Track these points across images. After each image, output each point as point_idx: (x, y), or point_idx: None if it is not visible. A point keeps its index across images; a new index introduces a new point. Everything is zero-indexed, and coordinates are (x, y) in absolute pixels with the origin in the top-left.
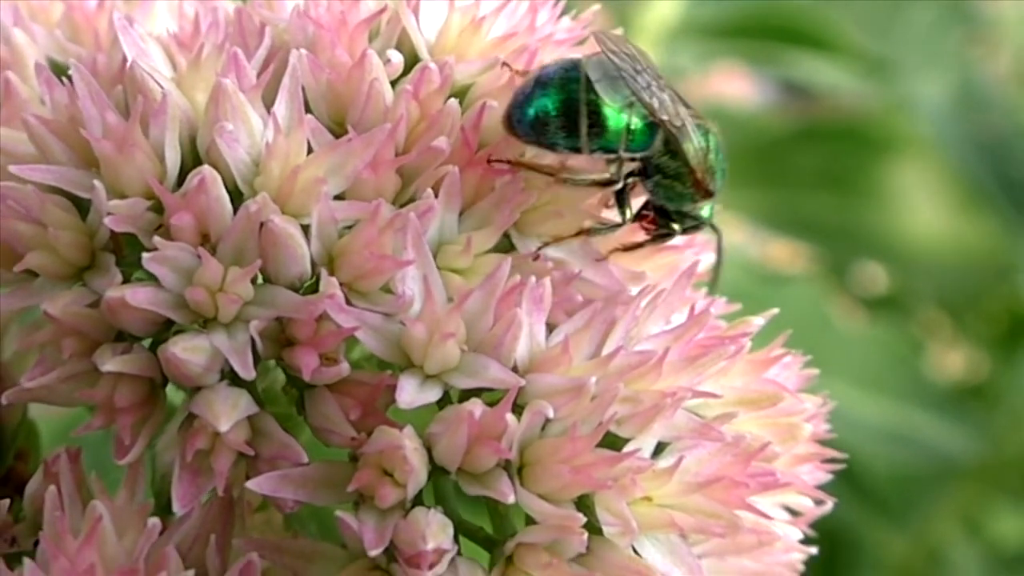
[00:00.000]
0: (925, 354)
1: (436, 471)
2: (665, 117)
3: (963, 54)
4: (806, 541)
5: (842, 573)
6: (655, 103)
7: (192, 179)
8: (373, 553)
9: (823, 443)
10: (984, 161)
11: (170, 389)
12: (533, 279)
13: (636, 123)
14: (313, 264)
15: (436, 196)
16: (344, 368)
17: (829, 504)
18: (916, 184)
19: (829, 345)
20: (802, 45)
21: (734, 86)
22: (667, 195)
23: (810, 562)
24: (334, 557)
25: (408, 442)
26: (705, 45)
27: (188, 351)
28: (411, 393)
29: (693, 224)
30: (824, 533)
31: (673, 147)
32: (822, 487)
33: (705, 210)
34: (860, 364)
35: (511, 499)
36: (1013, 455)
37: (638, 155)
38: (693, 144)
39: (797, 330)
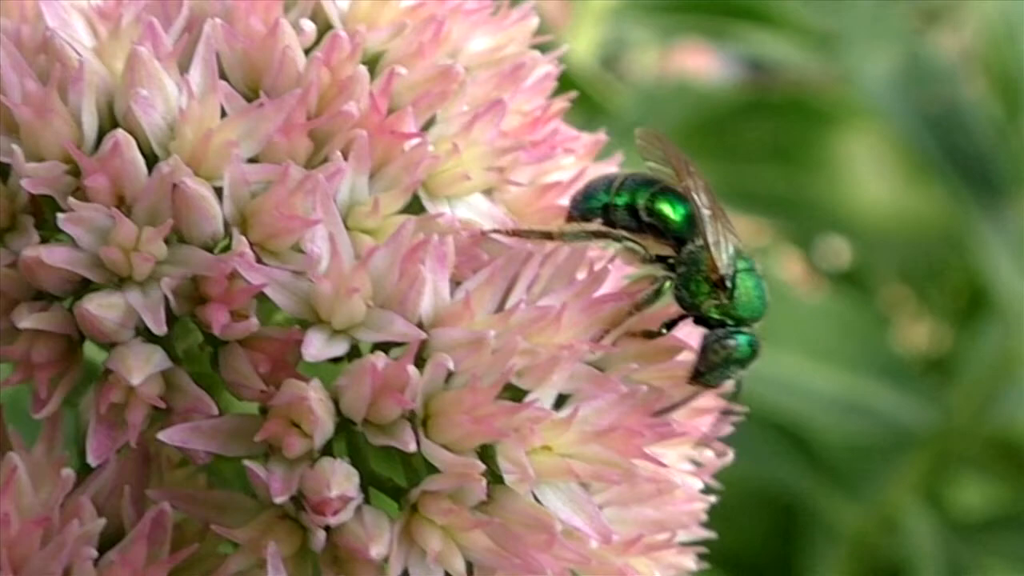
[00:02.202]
0: (885, 326)
1: (347, 425)
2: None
3: (910, 28)
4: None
5: (799, 544)
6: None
7: (107, 142)
8: (279, 500)
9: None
10: (931, 133)
11: (97, 352)
12: (436, 237)
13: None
14: (227, 225)
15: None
16: (253, 323)
17: (730, 455)
18: (865, 157)
19: (782, 316)
20: (752, 20)
21: (696, 61)
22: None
23: (767, 533)
24: (246, 507)
25: (313, 393)
26: (657, 20)
27: (102, 308)
28: (318, 347)
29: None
30: (780, 505)
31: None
32: (774, 454)
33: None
34: (814, 335)
35: (412, 447)
36: (967, 424)
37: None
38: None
39: None
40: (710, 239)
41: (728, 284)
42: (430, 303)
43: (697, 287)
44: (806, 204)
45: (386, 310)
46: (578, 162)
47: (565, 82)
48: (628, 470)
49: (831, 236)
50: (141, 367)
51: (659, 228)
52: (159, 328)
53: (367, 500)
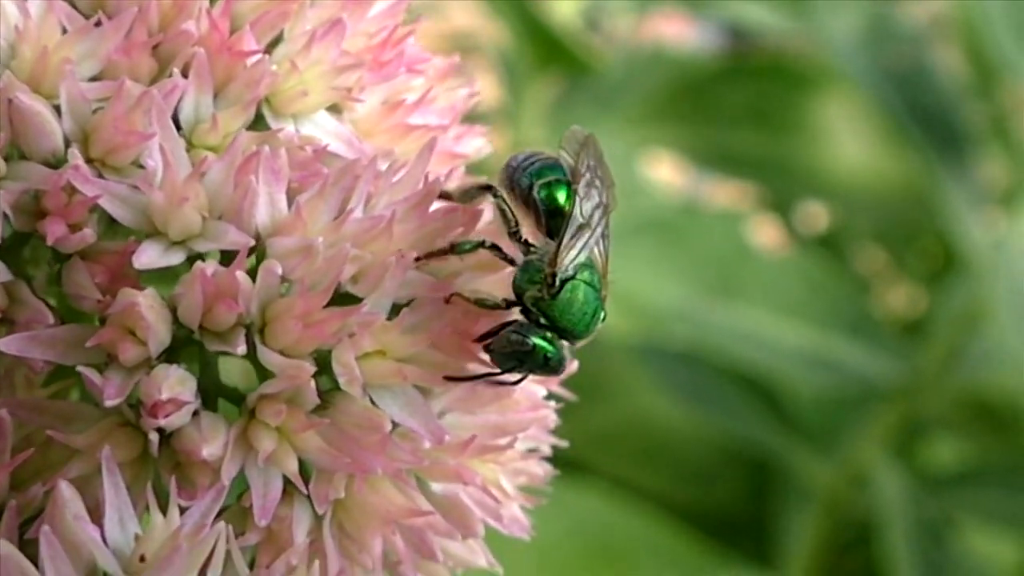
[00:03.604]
0: (855, 284)
1: (190, 337)
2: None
3: None
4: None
5: (771, 500)
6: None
7: None
8: (110, 403)
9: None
10: (897, 92)
11: None
12: (267, 148)
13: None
14: (68, 142)
15: None
16: (88, 234)
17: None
18: (842, 120)
19: (751, 273)
20: None
21: (673, 28)
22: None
23: (739, 491)
24: (90, 416)
25: (143, 299)
26: None
27: None
28: (151, 256)
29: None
30: (752, 461)
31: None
32: (744, 408)
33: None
34: (783, 292)
35: (241, 350)
36: (935, 380)
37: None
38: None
39: (717, 257)
40: (565, 238)
41: (556, 283)
42: (267, 214)
43: (530, 275)
44: (784, 167)
45: (222, 221)
46: (427, 84)
47: (550, 44)
48: (460, 373)
49: (809, 201)
50: None
51: (540, 213)
52: None
53: (215, 411)
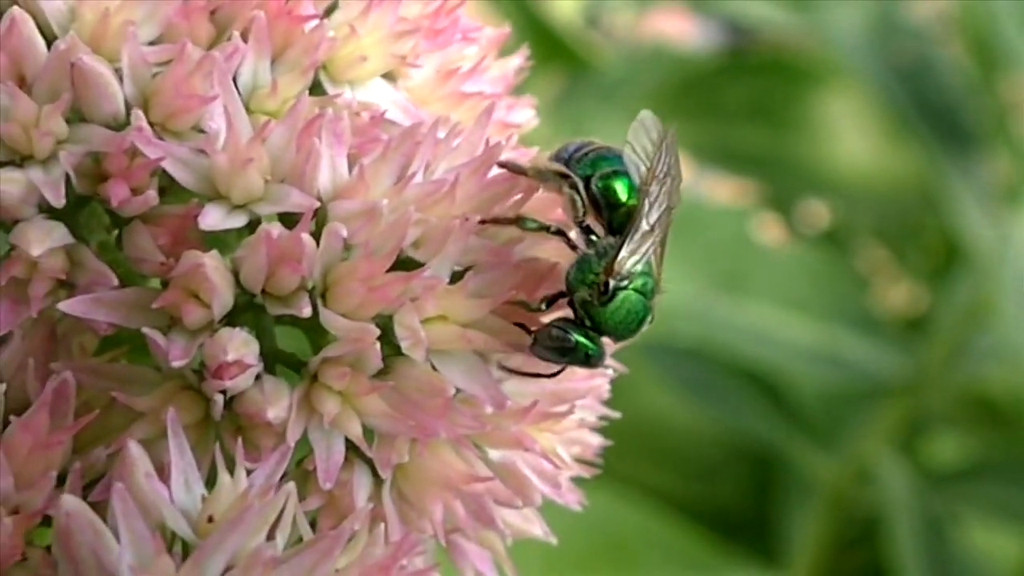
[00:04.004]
0: (859, 279)
1: (252, 304)
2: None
3: None
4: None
5: (775, 496)
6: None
7: (4, 22)
8: (176, 364)
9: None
10: (902, 88)
11: None
12: (330, 111)
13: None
14: (128, 106)
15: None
16: (151, 196)
17: None
18: (842, 114)
19: (755, 267)
20: None
21: (674, 25)
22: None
23: (743, 487)
24: (149, 379)
25: (209, 260)
26: None
27: (3, 182)
28: (215, 218)
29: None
30: (756, 458)
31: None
32: (748, 404)
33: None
34: (787, 288)
35: (307, 312)
36: (939, 375)
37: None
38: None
39: (721, 251)
40: (627, 246)
41: (608, 291)
42: (328, 178)
43: (584, 274)
44: (786, 163)
45: (284, 184)
46: (480, 52)
47: (551, 41)
48: (520, 340)
49: (811, 197)
50: (41, 239)
51: (600, 206)
52: (58, 200)
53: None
